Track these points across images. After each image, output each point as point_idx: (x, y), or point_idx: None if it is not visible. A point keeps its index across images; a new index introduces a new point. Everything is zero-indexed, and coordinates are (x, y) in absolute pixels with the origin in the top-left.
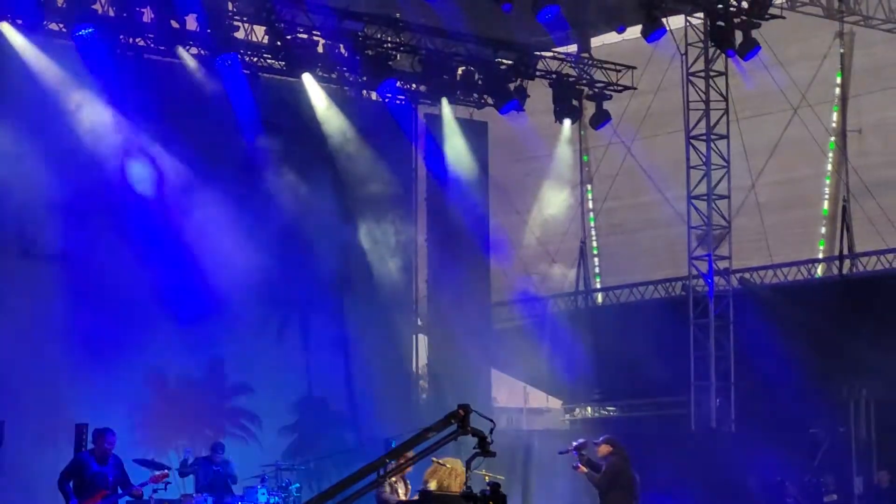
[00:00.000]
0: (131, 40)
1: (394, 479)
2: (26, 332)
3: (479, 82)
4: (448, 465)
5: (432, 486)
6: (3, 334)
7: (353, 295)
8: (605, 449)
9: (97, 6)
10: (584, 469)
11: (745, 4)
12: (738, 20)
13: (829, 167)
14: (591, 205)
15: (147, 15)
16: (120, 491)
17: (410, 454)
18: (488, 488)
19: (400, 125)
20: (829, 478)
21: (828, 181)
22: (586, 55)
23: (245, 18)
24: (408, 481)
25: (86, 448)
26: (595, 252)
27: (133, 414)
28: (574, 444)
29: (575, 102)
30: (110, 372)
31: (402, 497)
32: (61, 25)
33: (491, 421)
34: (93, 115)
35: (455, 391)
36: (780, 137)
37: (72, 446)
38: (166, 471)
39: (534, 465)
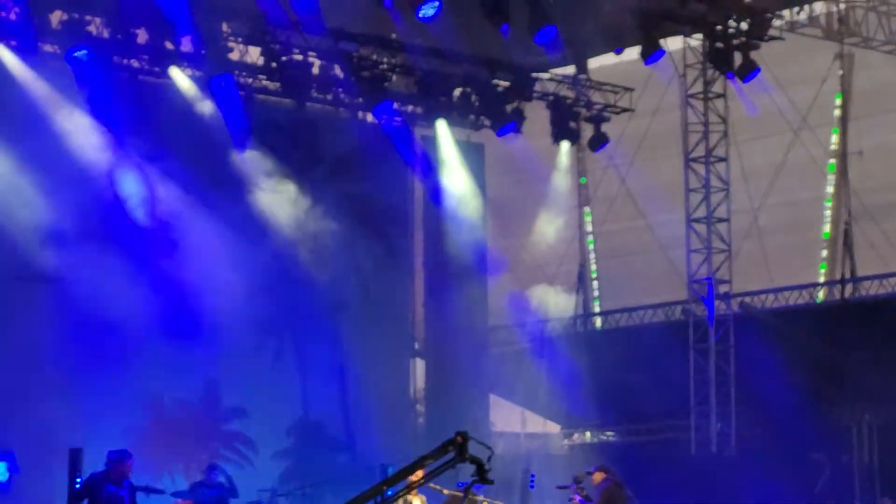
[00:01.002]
0: (125, 61)
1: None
2: (19, 355)
3: (476, 104)
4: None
5: None
6: None
7: (349, 318)
8: (598, 476)
9: (92, 28)
10: (578, 501)
11: (744, 26)
12: (738, 42)
13: (830, 190)
14: (589, 227)
15: (142, 36)
16: None
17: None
18: None
19: (396, 147)
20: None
21: (828, 204)
22: (584, 76)
23: (240, 39)
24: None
25: (96, 469)
26: (594, 276)
27: (127, 437)
28: (573, 479)
29: (573, 124)
30: (104, 396)
31: None
32: (56, 47)
33: (489, 448)
34: (87, 136)
35: (452, 416)
36: (783, 160)
37: (66, 471)
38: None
39: (532, 491)
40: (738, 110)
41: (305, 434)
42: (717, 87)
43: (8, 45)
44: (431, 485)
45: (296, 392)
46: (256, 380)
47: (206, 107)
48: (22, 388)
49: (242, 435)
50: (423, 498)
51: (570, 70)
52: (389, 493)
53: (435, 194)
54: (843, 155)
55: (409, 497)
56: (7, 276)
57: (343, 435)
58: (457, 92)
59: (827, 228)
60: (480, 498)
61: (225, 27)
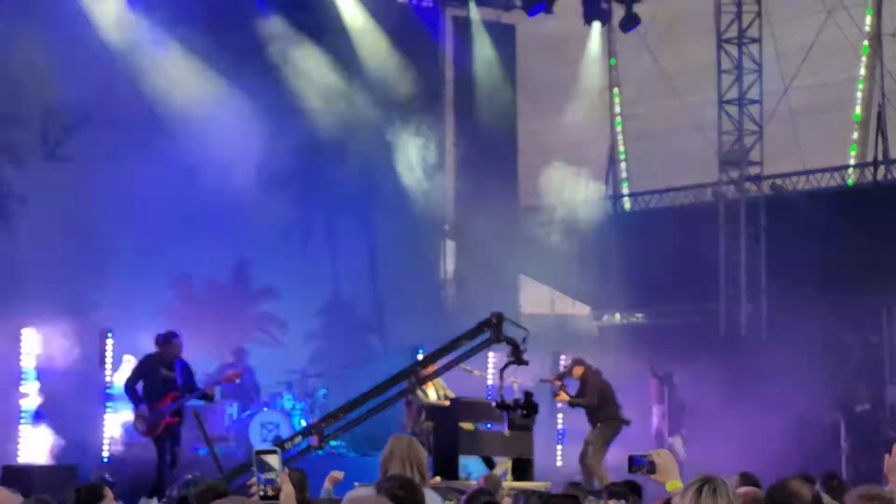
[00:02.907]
0: None
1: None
2: (51, 236)
3: None
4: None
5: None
6: (28, 238)
7: (380, 198)
8: (578, 370)
9: None
10: (566, 396)
11: None
12: None
13: (863, 72)
14: (618, 109)
15: None
16: (188, 394)
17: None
18: (521, 396)
19: (428, 28)
20: (861, 387)
21: (860, 86)
22: None
23: None
24: (442, 383)
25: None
26: (623, 157)
27: (158, 318)
28: (557, 376)
29: (604, 5)
30: (135, 277)
31: (434, 400)
32: None
33: (525, 329)
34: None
35: (482, 297)
36: (815, 41)
37: (96, 350)
38: (241, 370)
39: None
40: None
41: (336, 315)
42: None
43: None
44: (462, 366)
45: (326, 273)
46: (286, 261)
47: None
48: (53, 268)
49: (273, 316)
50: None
51: None
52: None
53: (466, 76)
54: (877, 36)
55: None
56: (38, 157)
57: (373, 316)
58: None
59: (858, 110)
60: (511, 378)
61: None
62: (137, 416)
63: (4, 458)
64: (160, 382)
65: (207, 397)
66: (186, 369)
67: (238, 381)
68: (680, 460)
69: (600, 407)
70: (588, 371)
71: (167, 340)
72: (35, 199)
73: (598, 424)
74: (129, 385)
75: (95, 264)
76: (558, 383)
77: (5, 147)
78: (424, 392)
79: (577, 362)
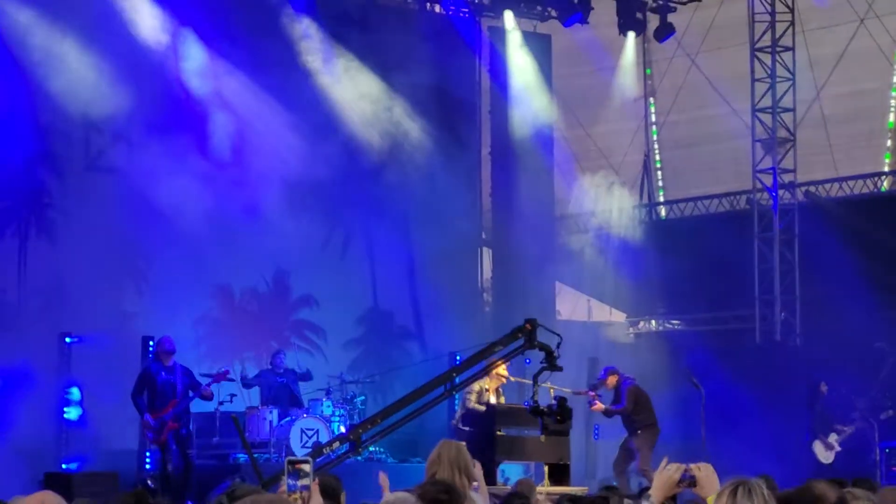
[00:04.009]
0: None
1: (487, 388)
2: (93, 246)
3: None
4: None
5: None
6: (70, 248)
7: (417, 206)
8: (612, 379)
9: None
10: (601, 406)
11: None
12: None
13: None
14: (653, 118)
15: None
16: (191, 394)
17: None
18: (555, 402)
19: (464, 38)
20: (886, 394)
21: (894, 93)
22: None
23: None
24: (501, 391)
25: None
26: (658, 165)
27: (198, 327)
28: (590, 387)
29: (639, 15)
30: (175, 285)
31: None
32: None
33: (558, 335)
34: (153, 22)
35: (519, 305)
36: (847, 49)
37: (138, 359)
38: (226, 370)
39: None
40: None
41: (375, 323)
42: None
43: None
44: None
45: (365, 282)
46: (326, 270)
47: None
48: (94, 278)
49: (313, 324)
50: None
51: None
52: (458, 380)
53: (502, 86)
54: None
55: (487, 384)
56: (79, 167)
57: (412, 324)
58: None
59: (892, 118)
60: (548, 384)
61: None
62: (144, 426)
63: (46, 465)
64: (160, 390)
65: (206, 397)
66: (186, 372)
67: (228, 380)
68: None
69: (638, 413)
70: (622, 380)
71: (159, 343)
72: (76, 210)
73: (639, 431)
74: (134, 396)
75: (136, 274)
76: (592, 394)
77: (47, 158)
78: (480, 397)
79: (610, 372)
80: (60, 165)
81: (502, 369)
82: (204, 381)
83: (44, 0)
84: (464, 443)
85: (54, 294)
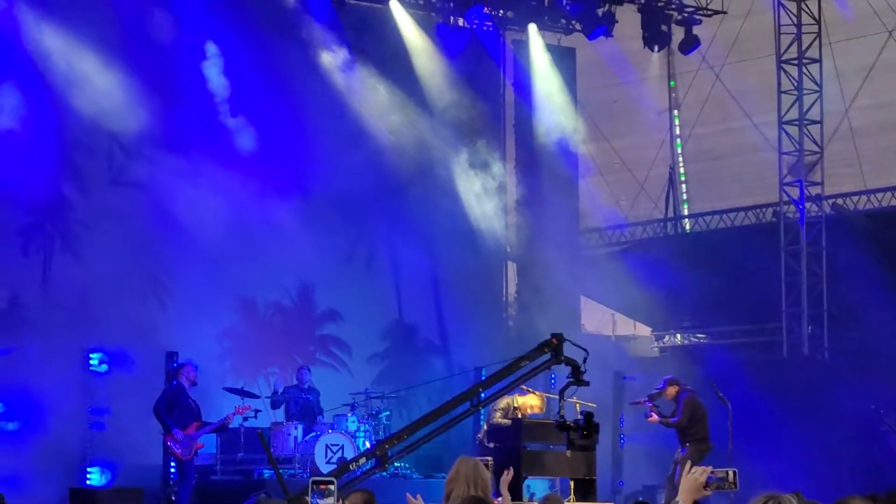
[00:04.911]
0: None
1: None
2: (116, 260)
3: (567, 8)
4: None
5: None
6: (94, 263)
7: (442, 221)
8: (672, 390)
9: None
10: (657, 418)
11: None
12: None
13: None
14: (678, 131)
15: None
16: (216, 421)
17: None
18: (581, 417)
19: (488, 52)
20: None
21: None
22: None
23: None
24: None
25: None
26: (683, 178)
27: (223, 342)
28: (647, 397)
29: (664, 27)
30: (199, 299)
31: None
32: None
33: (584, 350)
34: (175, 37)
35: (543, 319)
36: (876, 61)
37: (162, 373)
38: (248, 404)
39: (625, 394)
40: (831, 10)
41: (400, 337)
42: None
43: None
44: (524, 387)
45: (390, 296)
46: (350, 283)
47: (298, 9)
48: (119, 292)
49: (337, 339)
50: (542, 396)
51: None
52: (484, 395)
53: (526, 99)
54: None
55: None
56: (103, 182)
57: (437, 338)
58: None
59: None
60: (574, 399)
61: None
62: (173, 440)
63: (72, 480)
64: (188, 409)
65: (224, 428)
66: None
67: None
68: None
69: (690, 426)
70: (682, 391)
71: (186, 374)
72: (100, 225)
73: (687, 444)
74: (163, 410)
75: (161, 287)
76: (650, 404)
77: (72, 172)
78: (506, 413)
79: (670, 382)
80: (84, 180)
81: (534, 399)
82: (228, 396)
83: (68, 17)
84: (485, 458)
85: (78, 308)
